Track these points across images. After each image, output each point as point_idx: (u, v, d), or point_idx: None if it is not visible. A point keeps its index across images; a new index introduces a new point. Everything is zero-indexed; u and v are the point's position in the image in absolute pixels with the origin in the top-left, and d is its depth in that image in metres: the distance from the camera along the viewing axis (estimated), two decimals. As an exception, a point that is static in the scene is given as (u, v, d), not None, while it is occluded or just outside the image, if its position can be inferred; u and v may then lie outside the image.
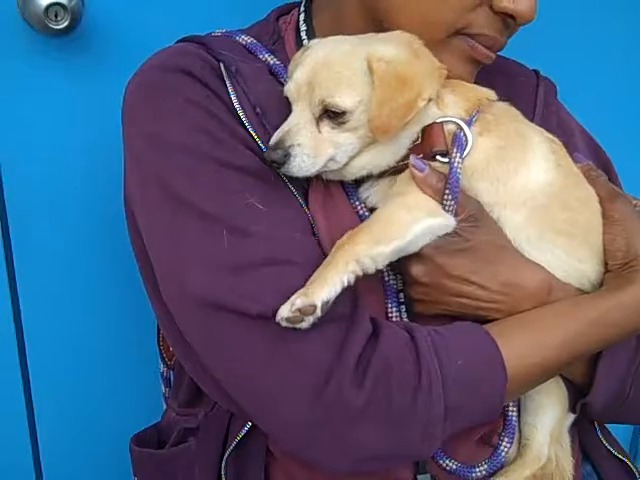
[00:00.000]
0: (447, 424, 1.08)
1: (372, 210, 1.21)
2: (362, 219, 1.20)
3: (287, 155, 1.11)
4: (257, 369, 1.07)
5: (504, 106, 1.26)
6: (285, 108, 1.19)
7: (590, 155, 1.45)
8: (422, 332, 1.11)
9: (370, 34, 1.21)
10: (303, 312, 1.02)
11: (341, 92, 1.12)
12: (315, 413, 1.05)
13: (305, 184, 1.20)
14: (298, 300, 1.02)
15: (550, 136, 1.28)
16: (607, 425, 1.48)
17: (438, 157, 1.16)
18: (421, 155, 1.16)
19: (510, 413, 1.29)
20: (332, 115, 1.13)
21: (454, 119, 1.18)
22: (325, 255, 1.11)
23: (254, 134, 1.17)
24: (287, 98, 1.18)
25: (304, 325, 1.03)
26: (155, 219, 1.16)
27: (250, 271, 1.07)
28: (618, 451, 1.46)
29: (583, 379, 1.30)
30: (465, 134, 1.16)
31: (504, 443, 1.28)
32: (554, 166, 1.23)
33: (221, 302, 1.07)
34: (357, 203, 1.22)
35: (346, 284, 1.05)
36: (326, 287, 1.03)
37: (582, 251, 1.24)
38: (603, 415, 1.34)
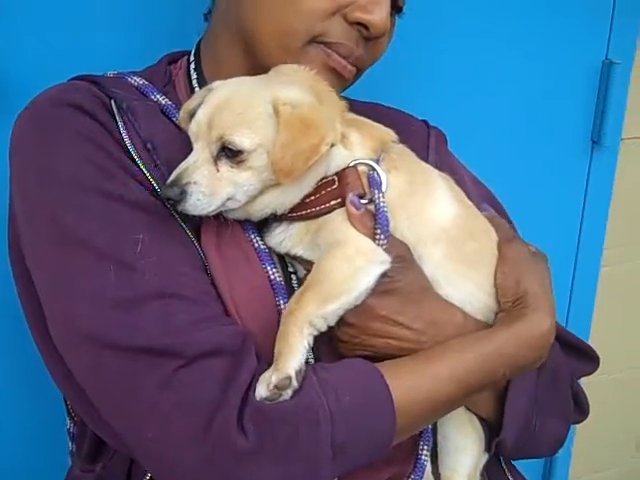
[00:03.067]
0: (337, 462, 1.03)
1: (288, 256, 1.19)
2: (258, 252, 1.18)
3: (183, 193, 1.08)
4: (143, 409, 1.02)
5: (401, 146, 1.26)
6: (177, 146, 1.17)
7: (483, 202, 1.44)
8: (307, 369, 1.06)
9: (270, 75, 1.20)
10: (280, 387, 1.01)
11: (240, 132, 1.09)
12: (200, 455, 1.00)
13: (198, 220, 1.16)
14: (273, 377, 1.01)
15: (443, 174, 1.29)
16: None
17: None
18: (339, 200, 1.14)
19: (421, 454, 1.26)
20: (230, 154, 1.09)
21: (365, 160, 1.17)
22: (216, 290, 1.12)
23: (144, 169, 1.14)
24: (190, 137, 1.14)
25: (284, 398, 1.02)
26: (43, 255, 1.11)
27: (136, 306, 1.04)
28: None
29: (495, 417, 1.28)
30: (378, 173, 1.16)
31: None
32: (456, 200, 1.24)
33: (107, 339, 1.03)
34: (253, 236, 1.19)
35: (308, 347, 1.06)
36: (292, 356, 1.03)
37: (489, 283, 1.23)
38: (515, 450, 1.32)
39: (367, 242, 1.13)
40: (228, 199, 1.11)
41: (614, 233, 2.37)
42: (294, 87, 1.14)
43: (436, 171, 1.27)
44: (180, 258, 1.11)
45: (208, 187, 1.09)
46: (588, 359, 1.44)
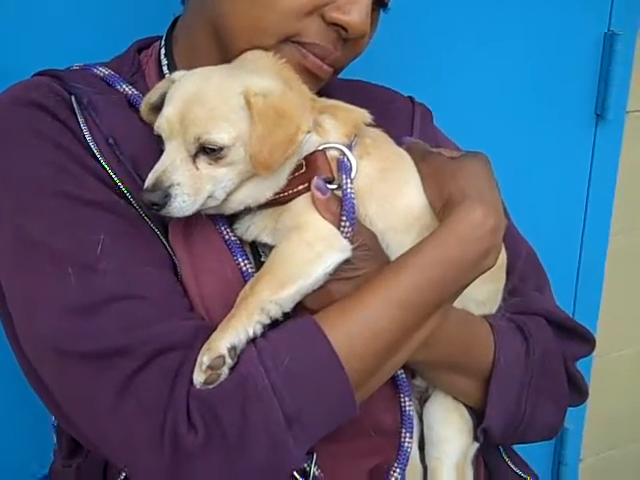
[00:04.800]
0: (295, 430, 0.98)
1: (252, 244, 1.15)
2: (229, 245, 1.14)
3: (167, 196, 1.03)
4: (105, 415, 0.99)
5: (377, 130, 1.21)
6: (142, 139, 1.14)
7: None
8: (249, 344, 1.01)
9: (236, 63, 1.16)
10: (214, 367, 0.96)
11: (218, 128, 1.04)
12: (161, 459, 0.96)
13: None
14: (204, 358, 0.97)
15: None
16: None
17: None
18: (306, 184, 1.09)
19: (404, 441, 1.21)
20: (209, 151, 1.04)
21: (336, 145, 1.12)
22: (183, 286, 1.09)
23: (106, 166, 1.10)
24: (159, 135, 1.09)
25: (222, 377, 0.97)
26: (6, 259, 1.09)
27: (96, 310, 1.00)
28: (524, 471, 1.40)
29: (482, 405, 1.24)
30: (349, 159, 1.11)
31: (395, 474, 1.19)
32: None
33: (67, 346, 1.00)
34: (223, 227, 1.15)
35: (252, 335, 1.00)
36: (227, 334, 0.99)
37: None
38: (504, 438, 1.27)
39: (329, 228, 1.07)
40: (208, 197, 1.07)
41: (620, 207, 2.30)
42: (263, 76, 1.09)
43: (410, 158, 1.21)
44: (143, 257, 1.07)
45: (191, 187, 1.04)
46: (583, 341, 1.38)
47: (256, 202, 1.11)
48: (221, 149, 1.04)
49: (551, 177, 2.15)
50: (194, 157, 1.05)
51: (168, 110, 1.06)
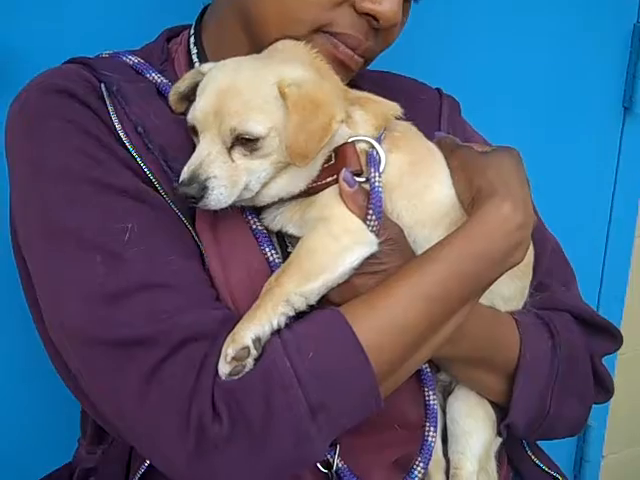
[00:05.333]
0: (319, 421, 0.97)
1: (279, 233, 1.14)
2: (256, 234, 1.13)
3: (204, 189, 1.02)
4: (133, 401, 0.99)
5: (407, 124, 1.20)
6: (172, 127, 1.14)
7: None
8: (274, 335, 1.01)
9: (267, 54, 1.15)
10: (239, 358, 0.96)
11: (253, 118, 1.03)
12: (186, 442, 0.96)
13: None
14: (229, 349, 0.96)
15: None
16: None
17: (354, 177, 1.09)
18: (335, 176, 1.08)
19: (428, 435, 1.20)
20: (244, 142, 1.04)
21: (365, 138, 1.11)
22: (209, 276, 1.08)
23: (135, 154, 1.10)
24: (192, 127, 1.08)
25: (248, 368, 0.97)
26: (35, 246, 1.09)
27: (123, 298, 1.00)
28: (548, 466, 1.38)
29: (507, 400, 1.22)
30: (378, 152, 1.10)
31: (419, 468, 1.19)
32: None
33: (94, 333, 1.00)
34: (250, 217, 1.14)
35: (276, 327, 0.99)
36: (252, 326, 0.98)
37: None
38: (528, 433, 1.27)
39: (356, 221, 1.06)
40: (244, 189, 1.06)
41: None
42: (296, 65, 1.08)
43: (438, 150, 1.20)
44: (170, 246, 1.06)
45: (228, 179, 1.03)
46: (610, 337, 1.35)
47: (289, 194, 1.10)
48: (257, 140, 1.04)
49: (578, 170, 2.12)
50: (229, 149, 1.05)
51: (202, 102, 1.06)
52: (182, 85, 1.13)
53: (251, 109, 1.03)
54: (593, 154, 2.15)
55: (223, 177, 1.03)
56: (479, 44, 1.91)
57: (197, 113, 1.06)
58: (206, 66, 1.13)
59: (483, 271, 1.07)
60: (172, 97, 1.14)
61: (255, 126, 1.03)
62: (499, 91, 1.94)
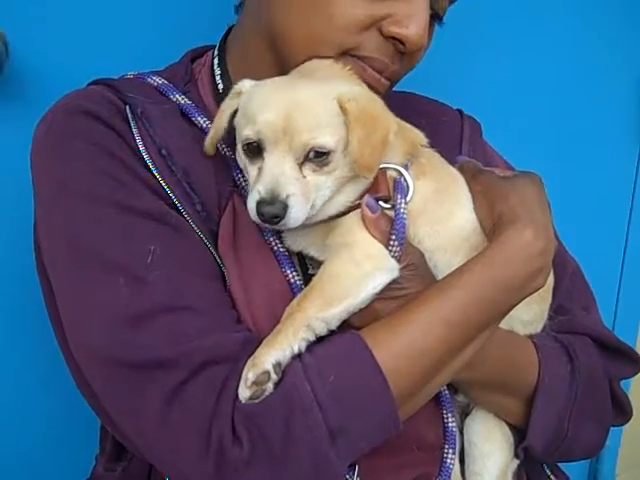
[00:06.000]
0: (339, 445, 0.97)
1: (300, 254, 1.14)
2: (277, 256, 1.14)
3: (285, 207, 1.01)
4: (153, 425, 0.99)
5: (430, 150, 1.20)
6: (195, 150, 1.14)
7: None
8: (295, 359, 1.01)
9: (301, 73, 1.15)
10: (259, 382, 0.96)
11: (324, 133, 1.03)
12: (206, 464, 0.96)
13: (214, 226, 1.13)
14: (250, 374, 0.96)
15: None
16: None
17: (381, 202, 1.09)
18: (373, 197, 1.09)
19: (447, 457, 1.20)
20: (315, 157, 1.04)
21: (395, 166, 1.12)
22: (231, 297, 1.09)
23: (159, 177, 1.10)
24: (250, 143, 1.05)
25: (268, 392, 0.97)
26: (59, 267, 1.10)
27: (146, 321, 1.00)
28: None
29: (524, 422, 1.22)
30: (406, 180, 1.11)
31: None
32: None
33: (117, 355, 1.01)
34: (272, 239, 1.14)
35: (296, 352, 1.00)
36: (273, 350, 0.98)
37: None
38: (546, 456, 1.25)
39: (378, 247, 1.06)
40: (311, 206, 1.05)
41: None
42: (346, 81, 1.10)
43: (462, 178, 1.19)
44: (192, 267, 1.07)
45: (303, 196, 1.03)
46: (629, 361, 1.34)
47: (337, 211, 1.10)
48: (327, 154, 1.04)
49: (594, 202, 2.12)
50: (301, 165, 1.04)
51: (268, 116, 1.03)
52: (223, 120, 1.11)
53: (321, 124, 1.03)
54: (609, 186, 2.15)
55: (299, 194, 1.02)
56: (499, 68, 1.92)
57: (263, 128, 1.03)
58: (245, 84, 1.11)
59: (503, 297, 1.07)
60: (213, 139, 1.12)
61: (326, 140, 1.03)
62: (517, 113, 1.94)
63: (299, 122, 1.02)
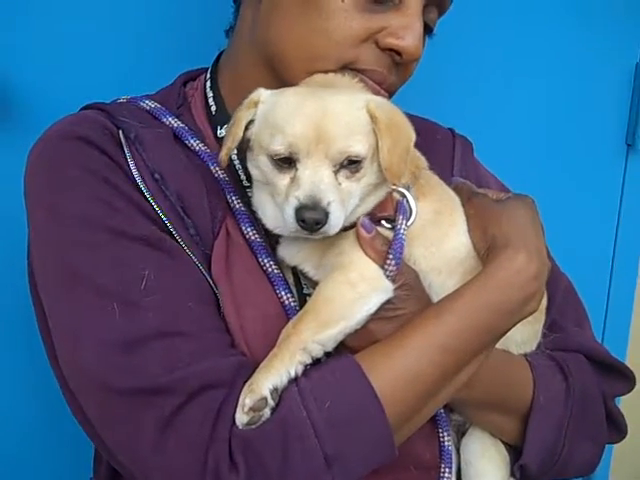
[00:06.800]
0: (335, 471, 0.96)
1: (294, 270, 1.14)
2: (271, 278, 1.13)
3: (327, 214, 1.01)
4: (147, 451, 0.98)
5: (429, 172, 1.20)
6: (188, 173, 1.14)
7: None
8: (291, 383, 1.00)
9: (307, 83, 1.14)
10: (256, 409, 0.96)
11: (357, 140, 1.04)
12: None
13: (208, 250, 1.12)
14: (247, 400, 0.96)
15: None
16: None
17: (383, 222, 1.10)
18: (368, 217, 1.09)
19: (443, 477, 1.19)
20: (350, 164, 1.04)
21: (399, 188, 1.11)
22: (224, 321, 1.08)
23: (152, 201, 1.10)
24: (281, 155, 1.03)
25: (265, 418, 0.97)
26: (52, 292, 1.09)
27: (139, 346, 1.00)
28: None
29: (519, 441, 1.22)
30: (409, 204, 1.11)
31: None
32: None
33: (110, 381, 1.00)
34: (266, 260, 1.14)
35: (293, 376, 0.99)
36: (270, 376, 0.98)
37: None
38: (541, 474, 1.25)
39: (373, 268, 1.06)
40: None
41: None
42: (364, 92, 1.11)
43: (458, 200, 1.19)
44: (186, 292, 1.06)
45: (341, 203, 1.03)
46: (623, 378, 1.34)
47: (350, 222, 1.08)
48: (361, 161, 1.04)
49: (582, 207, 2.11)
50: (336, 172, 1.04)
51: (298, 128, 1.02)
52: (239, 131, 1.08)
53: (353, 131, 1.04)
54: (596, 191, 2.14)
55: (337, 201, 1.02)
56: (486, 83, 1.92)
57: (295, 139, 1.02)
58: (262, 94, 1.09)
59: (497, 322, 1.07)
60: (230, 149, 1.09)
61: (361, 148, 1.03)
62: (503, 128, 1.94)
63: (333, 130, 1.02)
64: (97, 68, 1.54)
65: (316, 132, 1.01)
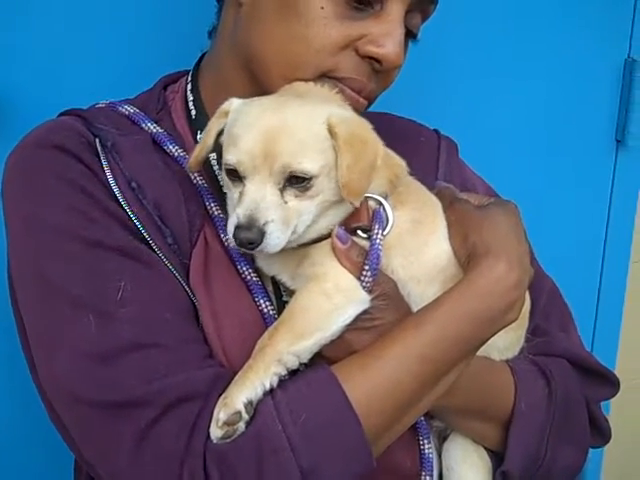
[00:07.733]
0: None
1: (273, 279, 1.12)
2: (250, 286, 1.12)
3: (263, 234, 0.98)
4: (126, 460, 0.96)
5: (410, 178, 1.17)
6: (166, 180, 1.13)
7: None
8: (266, 396, 0.98)
9: (289, 93, 1.11)
10: (231, 422, 0.94)
11: (307, 157, 1.00)
12: None
13: (186, 259, 1.11)
14: (221, 414, 0.94)
15: None
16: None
17: (359, 232, 1.08)
18: (343, 227, 1.07)
19: None
20: (297, 183, 1.01)
21: (375, 196, 1.09)
22: (202, 330, 1.07)
23: (129, 211, 1.08)
24: (233, 169, 1.02)
25: (240, 432, 0.95)
26: (28, 303, 1.08)
27: (114, 359, 0.98)
28: None
29: (501, 447, 1.20)
30: (386, 212, 1.08)
31: None
32: None
33: (85, 394, 0.99)
34: (245, 268, 1.12)
35: (268, 388, 0.98)
36: (245, 389, 0.96)
37: None
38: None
39: (348, 279, 1.04)
40: (293, 232, 1.03)
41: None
42: (336, 104, 1.08)
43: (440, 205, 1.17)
44: (162, 303, 1.04)
45: (283, 222, 1.00)
46: (607, 383, 1.33)
47: (319, 235, 1.07)
48: (309, 179, 1.00)
49: (571, 203, 2.11)
50: (282, 190, 1.01)
51: (249, 143, 1.00)
52: (209, 140, 1.07)
53: (305, 148, 1.01)
54: (586, 187, 2.13)
55: (279, 221, 1.00)
56: (473, 80, 1.90)
57: (243, 156, 1.00)
58: (233, 103, 1.07)
59: (477, 332, 1.05)
60: (198, 158, 1.08)
61: (309, 165, 1.00)
62: (491, 124, 1.93)
63: (281, 146, 0.99)
64: (75, 72, 1.53)
65: (265, 148, 0.99)
